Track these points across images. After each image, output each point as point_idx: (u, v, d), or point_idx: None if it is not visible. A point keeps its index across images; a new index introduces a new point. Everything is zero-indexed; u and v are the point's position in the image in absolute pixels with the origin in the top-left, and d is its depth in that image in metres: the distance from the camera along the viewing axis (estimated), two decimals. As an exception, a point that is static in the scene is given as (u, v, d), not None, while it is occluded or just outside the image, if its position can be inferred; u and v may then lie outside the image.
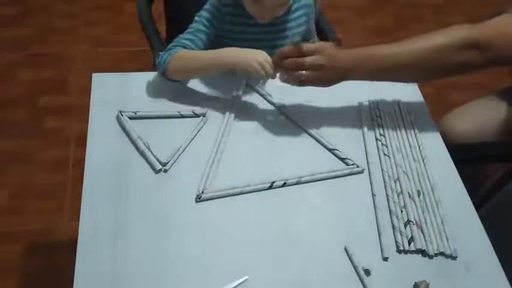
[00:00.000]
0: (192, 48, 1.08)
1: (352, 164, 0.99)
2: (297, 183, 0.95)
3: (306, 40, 1.24)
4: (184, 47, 1.07)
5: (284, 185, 0.94)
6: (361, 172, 0.98)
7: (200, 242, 0.85)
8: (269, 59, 0.99)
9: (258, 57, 0.99)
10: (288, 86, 1.11)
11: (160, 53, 1.06)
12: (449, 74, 1.05)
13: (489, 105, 1.33)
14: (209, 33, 1.11)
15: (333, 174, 0.97)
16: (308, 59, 0.95)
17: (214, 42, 1.12)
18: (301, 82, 0.99)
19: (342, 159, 1.00)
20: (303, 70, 0.96)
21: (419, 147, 1.04)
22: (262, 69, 0.98)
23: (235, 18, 1.13)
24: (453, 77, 1.06)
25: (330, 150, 1.01)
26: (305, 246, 0.87)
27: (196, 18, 1.12)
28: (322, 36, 1.36)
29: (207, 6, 1.13)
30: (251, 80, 1.11)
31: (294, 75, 0.98)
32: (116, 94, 1.06)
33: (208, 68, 1.06)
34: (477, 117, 1.32)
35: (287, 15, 1.14)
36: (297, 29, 1.19)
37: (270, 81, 1.12)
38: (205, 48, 1.10)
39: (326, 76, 0.98)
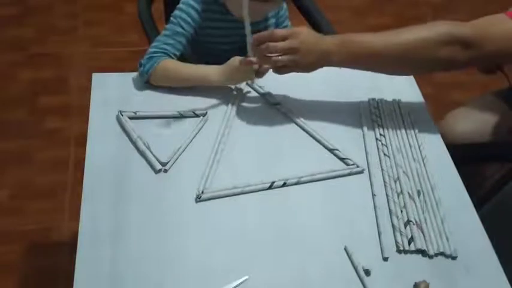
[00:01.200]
0: (173, 53, 1.08)
1: (352, 164, 0.99)
2: (297, 183, 0.95)
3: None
4: (165, 53, 1.07)
5: (284, 185, 0.94)
6: (361, 172, 0.98)
7: (200, 242, 0.85)
8: (243, 59, 1.01)
9: (234, 72, 1.03)
10: (288, 86, 1.12)
11: (141, 60, 1.06)
12: (429, 69, 1.05)
13: (488, 106, 1.33)
14: (187, 34, 1.12)
15: (333, 174, 0.97)
16: (281, 44, 0.95)
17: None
18: (279, 68, 0.99)
19: (342, 159, 1.00)
20: (278, 55, 0.96)
21: (419, 147, 1.04)
22: (245, 79, 1.05)
23: (212, 14, 1.14)
24: (434, 73, 1.05)
25: (330, 150, 1.01)
26: (305, 246, 0.87)
27: (172, 19, 1.12)
28: (315, 26, 1.37)
29: (181, 5, 1.13)
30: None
31: (270, 61, 0.98)
32: (116, 94, 1.06)
33: (189, 83, 1.08)
34: (476, 117, 1.32)
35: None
36: (271, 20, 1.22)
37: (270, 82, 1.12)
38: (185, 50, 1.12)
39: (303, 60, 0.97)
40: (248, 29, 0.98)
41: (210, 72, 1.06)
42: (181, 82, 1.08)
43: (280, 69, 1.00)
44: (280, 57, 0.96)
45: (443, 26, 0.97)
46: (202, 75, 1.06)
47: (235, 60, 1.02)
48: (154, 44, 1.09)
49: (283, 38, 0.95)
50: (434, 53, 0.96)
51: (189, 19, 1.11)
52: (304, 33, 0.97)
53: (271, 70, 1.03)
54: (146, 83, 1.08)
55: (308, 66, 1.00)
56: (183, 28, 1.11)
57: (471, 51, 0.96)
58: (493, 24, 0.98)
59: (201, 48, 1.22)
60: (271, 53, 0.96)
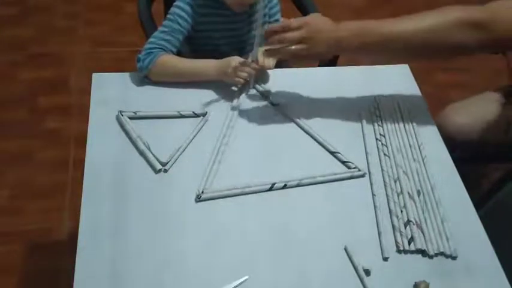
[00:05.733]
0: (170, 49, 1.10)
1: (354, 168, 0.99)
2: (298, 185, 0.95)
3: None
4: (163, 49, 1.09)
5: (285, 186, 0.94)
6: (363, 176, 0.98)
7: (200, 242, 0.85)
8: (243, 61, 1.03)
9: (232, 64, 1.04)
10: (288, 86, 1.12)
11: (140, 55, 1.08)
12: (442, 55, 1.04)
13: (488, 101, 1.34)
14: (184, 31, 1.14)
15: (334, 177, 0.97)
16: (296, 33, 0.95)
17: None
18: (292, 57, 0.99)
19: (344, 163, 1.00)
20: (289, 45, 0.97)
21: (419, 147, 1.04)
22: (238, 76, 1.04)
23: (209, 9, 1.15)
24: (446, 59, 1.04)
25: (332, 153, 1.01)
26: (305, 246, 0.87)
27: (169, 16, 1.14)
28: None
29: (178, 2, 1.15)
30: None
31: (282, 51, 0.98)
32: (116, 94, 1.06)
33: (187, 78, 1.10)
34: (474, 111, 1.33)
35: (257, 4, 1.16)
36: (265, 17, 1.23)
37: (271, 82, 1.12)
38: (182, 47, 1.14)
39: (314, 49, 0.97)
40: (259, 33, 0.99)
41: (208, 66, 1.08)
42: (179, 77, 1.09)
43: (292, 57, 0.99)
44: (293, 47, 0.96)
45: (454, 10, 0.96)
46: (200, 69, 1.09)
47: (235, 59, 1.04)
48: (151, 39, 1.10)
49: (298, 28, 0.95)
50: (446, 38, 0.95)
51: (185, 16, 1.13)
52: (315, 23, 0.97)
53: (270, 71, 1.04)
54: (145, 78, 1.08)
55: (319, 55, 1.01)
56: (179, 25, 1.12)
57: (483, 33, 0.94)
58: (504, 6, 0.96)
59: (198, 45, 1.23)
60: (285, 43, 0.96)
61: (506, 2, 0.97)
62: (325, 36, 0.97)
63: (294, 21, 0.97)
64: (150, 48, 1.08)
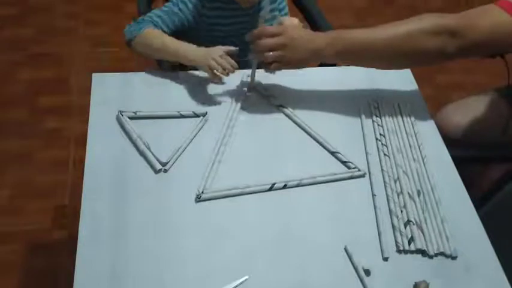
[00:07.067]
0: (161, 27, 1.11)
1: (354, 168, 0.99)
2: (298, 185, 0.95)
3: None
4: (154, 24, 1.11)
5: (285, 187, 0.94)
6: (363, 176, 0.98)
7: (200, 242, 0.85)
8: (225, 55, 1.03)
9: (213, 55, 1.03)
10: (288, 86, 1.12)
11: (132, 22, 1.10)
12: (420, 61, 1.05)
13: (483, 101, 1.34)
14: (182, 16, 1.15)
15: (334, 177, 0.97)
16: (270, 40, 0.97)
17: (191, 26, 1.16)
18: (270, 64, 1.00)
19: (344, 163, 1.00)
20: (269, 52, 0.98)
21: (419, 147, 1.04)
22: (218, 66, 1.02)
23: (215, 3, 1.16)
24: (427, 65, 1.07)
25: (332, 153, 1.01)
26: (305, 246, 0.87)
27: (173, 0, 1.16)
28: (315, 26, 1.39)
29: None
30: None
31: (262, 57, 0.99)
32: (116, 94, 1.06)
33: (168, 56, 1.09)
34: (470, 111, 1.33)
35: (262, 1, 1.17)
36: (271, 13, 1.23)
37: (271, 83, 1.12)
38: (174, 30, 1.14)
39: (294, 56, 0.99)
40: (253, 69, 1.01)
41: (190, 49, 1.07)
42: (160, 53, 1.10)
43: (271, 66, 1.01)
44: (270, 53, 0.98)
45: (430, 17, 0.98)
46: (181, 50, 1.07)
47: (220, 49, 1.04)
48: (148, 14, 1.13)
49: (273, 35, 0.97)
50: (422, 44, 0.97)
51: (188, 3, 1.14)
52: (294, 30, 0.99)
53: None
54: (128, 46, 1.11)
55: (299, 63, 1.02)
56: (180, 10, 1.14)
57: (459, 40, 0.96)
58: (481, 13, 0.98)
59: (201, 39, 1.23)
60: (262, 50, 0.98)
61: (480, 9, 0.99)
62: (304, 44, 0.99)
63: (269, 28, 1.00)
64: (143, 19, 1.10)
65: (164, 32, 1.12)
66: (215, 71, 1.02)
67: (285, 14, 1.27)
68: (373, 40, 0.99)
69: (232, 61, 1.03)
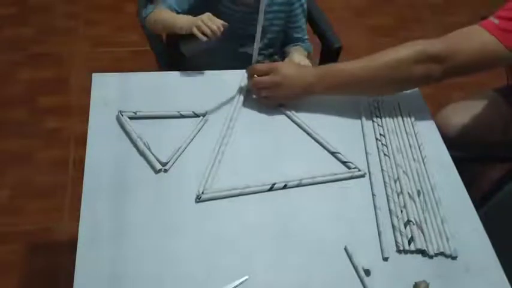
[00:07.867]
0: (175, 9, 1.22)
1: (354, 168, 0.99)
2: (298, 185, 0.95)
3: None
4: (169, 7, 1.21)
5: (285, 187, 0.94)
6: (363, 176, 0.98)
7: (200, 242, 0.85)
8: (212, 17, 1.10)
9: (202, 17, 1.11)
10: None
11: (148, 5, 1.24)
12: (408, 87, 1.09)
13: (483, 101, 1.35)
14: (192, 1, 1.23)
15: (334, 177, 0.97)
16: (264, 78, 1.04)
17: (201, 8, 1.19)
18: (263, 99, 1.06)
19: (344, 163, 1.00)
20: (262, 88, 1.05)
21: (419, 147, 1.04)
22: (205, 27, 1.09)
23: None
24: (413, 88, 1.12)
25: (332, 153, 1.01)
26: (305, 246, 0.87)
27: None
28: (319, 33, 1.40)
29: None
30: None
31: (257, 93, 1.07)
32: (116, 94, 1.06)
33: (169, 27, 1.19)
34: (470, 111, 1.33)
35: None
36: (278, 14, 1.30)
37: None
38: (189, 8, 1.23)
39: (286, 92, 1.04)
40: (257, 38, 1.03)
41: (182, 18, 1.17)
42: (163, 26, 1.21)
43: (264, 100, 1.07)
44: (263, 92, 1.05)
45: (416, 45, 1.01)
46: (176, 20, 1.17)
47: (207, 14, 1.12)
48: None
49: (264, 73, 1.04)
50: (408, 72, 1.00)
51: None
52: (285, 68, 1.04)
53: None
54: (143, 29, 1.24)
55: (289, 99, 1.07)
56: None
57: (444, 65, 0.99)
58: (466, 36, 1.00)
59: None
60: (258, 87, 1.05)
61: (465, 31, 1.01)
62: (296, 81, 1.04)
63: (259, 66, 1.05)
64: (157, 3, 1.23)
65: (177, 12, 1.21)
66: (203, 29, 1.09)
67: (303, 4, 1.33)
68: (361, 73, 1.02)
69: (219, 22, 1.09)
